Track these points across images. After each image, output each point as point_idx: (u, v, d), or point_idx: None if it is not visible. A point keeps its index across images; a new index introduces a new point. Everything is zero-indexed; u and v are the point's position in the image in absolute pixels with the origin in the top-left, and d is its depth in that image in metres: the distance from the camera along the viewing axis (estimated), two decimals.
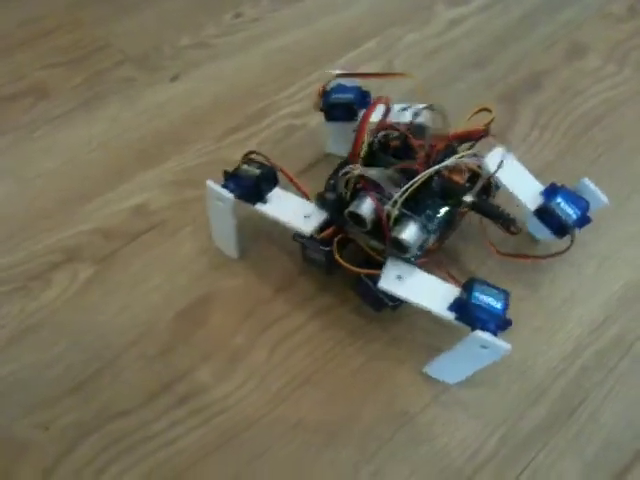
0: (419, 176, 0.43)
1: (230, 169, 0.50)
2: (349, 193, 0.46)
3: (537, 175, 0.59)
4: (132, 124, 0.66)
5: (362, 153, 0.46)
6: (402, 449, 0.46)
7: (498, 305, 0.42)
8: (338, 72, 0.55)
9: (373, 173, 0.44)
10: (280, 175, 0.50)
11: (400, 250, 0.45)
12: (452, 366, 0.47)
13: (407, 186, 0.43)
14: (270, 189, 0.50)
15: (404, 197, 0.43)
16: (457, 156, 0.46)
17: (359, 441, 0.46)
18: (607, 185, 0.57)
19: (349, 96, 0.55)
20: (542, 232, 0.53)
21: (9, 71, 0.70)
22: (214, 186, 0.49)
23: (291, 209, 0.49)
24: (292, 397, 0.48)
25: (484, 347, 0.42)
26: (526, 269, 0.54)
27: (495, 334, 0.41)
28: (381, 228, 0.44)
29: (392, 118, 0.50)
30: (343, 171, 0.45)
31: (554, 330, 0.51)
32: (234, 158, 0.61)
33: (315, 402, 0.47)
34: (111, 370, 0.48)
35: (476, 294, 0.42)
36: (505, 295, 0.43)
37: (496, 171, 0.48)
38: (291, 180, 0.51)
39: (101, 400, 0.47)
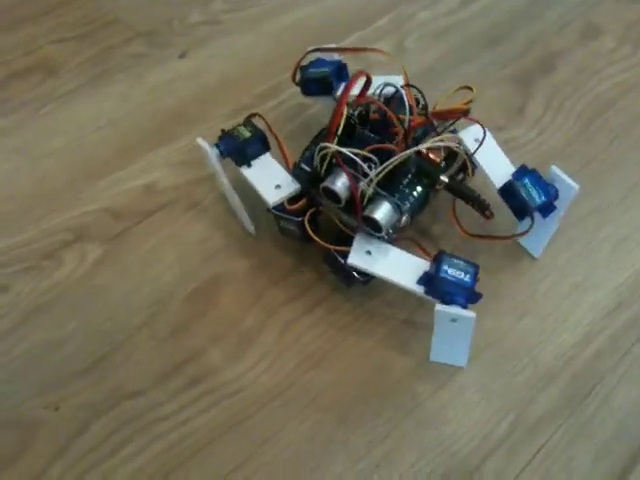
0: (397, 157, 0.43)
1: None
2: (324, 168, 0.46)
3: (550, 158, 0.59)
4: (141, 102, 0.65)
5: (339, 131, 0.45)
6: (412, 433, 0.46)
7: (467, 278, 0.43)
8: (312, 48, 0.55)
9: (349, 152, 0.44)
10: None
11: (373, 229, 0.45)
12: (446, 346, 0.47)
13: (384, 166, 0.43)
14: (258, 154, 0.51)
15: (380, 176, 0.43)
16: (436, 138, 0.47)
17: (371, 423, 0.46)
18: (619, 169, 0.57)
19: (325, 70, 0.55)
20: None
21: (16, 47, 0.70)
22: (202, 142, 0.49)
23: (267, 177, 0.49)
24: (303, 378, 0.48)
25: (453, 320, 0.42)
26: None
27: (465, 307, 0.42)
28: (355, 205, 0.45)
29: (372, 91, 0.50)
30: (319, 146, 0.45)
31: (566, 315, 0.51)
32: None
33: (326, 384, 0.47)
34: (122, 351, 0.48)
35: (444, 267, 0.43)
36: (474, 268, 0.43)
37: (474, 152, 0.49)
38: (282, 149, 0.52)
39: (112, 381, 0.47)
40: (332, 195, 0.45)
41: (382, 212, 0.44)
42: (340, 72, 0.55)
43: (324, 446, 0.45)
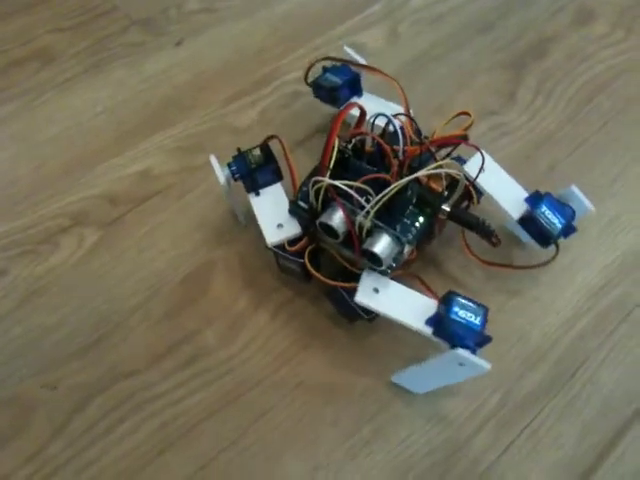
0: (392, 186, 0.41)
1: (241, 146, 0.50)
2: (320, 203, 0.44)
3: (541, 143, 0.59)
4: (137, 89, 0.66)
5: (331, 164, 0.43)
6: (402, 410, 0.47)
7: (477, 321, 0.41)
8: (330, 56, 0.55)
9: (342, 184, 0.42)
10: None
11: (373, 262, 0.43)
12: (423, 377, 0.46)
13: (379, 197, 0.41)
14: (269, 183, 0.49)
15: (376, 207, 0.41)
16: (432, 165, 0.44)
17: (359, 402, 0.47)
18: (610, 153, 0.57)
19: (336, 80, 0.54)
20: (527, 236, 0.51)
21: (14, 36, 0.70)
22: (214, 162, 0.49)
23: (272, 212, 0.48)
24: (294, 360, 0.49)
25: (461, 364, 0.40)
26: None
27: (474, 351, 0.40)
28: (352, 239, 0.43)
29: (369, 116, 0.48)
30: (312, 181, 0.43)
31: (554, 296, 0.52)
32: (239, 124, 0.62)
33: (316, 365, 0.48)
34: (117, 333, 0.50)
35: (455, 309, 0.41)
36: (484, 310, 0.42)
37: (475, 178, 0.47)
38: (292, 175, 0.49)
39: (108, 362, 0.48)
40: (329, 230, 0.44)
41: (381, 245, 0.42)
42: (353, 85, 0.55)
43: (314, 424, 0.46)
